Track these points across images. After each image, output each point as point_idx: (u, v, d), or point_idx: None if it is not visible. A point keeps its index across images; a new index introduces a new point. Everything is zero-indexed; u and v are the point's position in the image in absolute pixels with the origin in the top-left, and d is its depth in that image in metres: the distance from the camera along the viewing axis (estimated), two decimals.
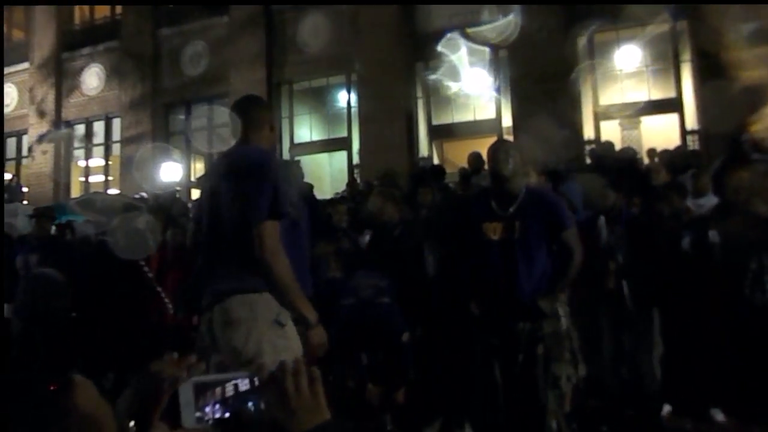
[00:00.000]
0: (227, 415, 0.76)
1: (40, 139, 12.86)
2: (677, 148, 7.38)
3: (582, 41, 9.23)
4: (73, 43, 13.16)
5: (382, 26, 9.91)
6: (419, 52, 9.95)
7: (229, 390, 0.77)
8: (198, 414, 0.76)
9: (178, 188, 11.14)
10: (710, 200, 4.39)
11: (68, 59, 13.15)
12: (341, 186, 8.78)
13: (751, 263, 3.15)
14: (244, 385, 0.78)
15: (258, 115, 2.31)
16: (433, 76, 9.60)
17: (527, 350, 2.92)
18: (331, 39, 10.59)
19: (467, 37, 9.05)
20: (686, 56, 8.72)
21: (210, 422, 0.76)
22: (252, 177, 2.03)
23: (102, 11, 13.33)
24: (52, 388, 0.72)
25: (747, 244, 3.25)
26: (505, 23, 8.66)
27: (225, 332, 1.98)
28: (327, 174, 11.62)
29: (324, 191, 8.94)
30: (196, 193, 11.13)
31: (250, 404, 0.78)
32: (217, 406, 0.76)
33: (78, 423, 0.68)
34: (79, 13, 13.70)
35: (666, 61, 8.93)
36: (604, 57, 9.25)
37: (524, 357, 2.89)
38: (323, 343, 2.07)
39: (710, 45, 7.93)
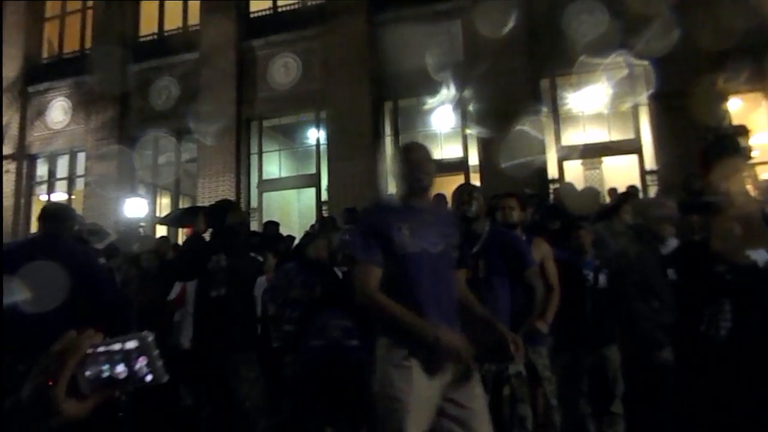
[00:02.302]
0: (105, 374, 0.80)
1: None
2: (629, 188, 7.60)
3: (545, 83, 9.58)
4: (39, 77, 12.99)
5: (351, 65, 10.11)
6: (387, 91, 10.15)
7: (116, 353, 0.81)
8: (89, 377, 0.78)
9: (142, 224, 10.91)
10: (673, 244, 4.51)
11: (34, 92, 12.96)
12: (309, 222, 8.74)
13: (707, 306, 3.25)
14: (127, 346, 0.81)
15: None
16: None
17: (493, 391, 2.91)
18: (301, 77, 10.74)
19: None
20: (643, 99, 9.10)
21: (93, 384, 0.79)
22: None
23: (71, 45, 13.25)
24: (50, 383, 0.75)
25: (705, 284, 3.35)
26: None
27: None
28: (295, 210, 11.58)
29: (292, 228, 8.89)
30: (161, 230, 10.92)
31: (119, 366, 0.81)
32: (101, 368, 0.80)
33: None
34: (48, 46, 13.59)
35: (624, 104, 9.30)
36: (566, 98, 9.59)
37: (490, 398, 2.87)
38: (457, 347, 2.06)
39: (666, 89, 8.31)
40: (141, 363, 0.80)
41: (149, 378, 0.80)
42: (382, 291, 2.16)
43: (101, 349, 0.79)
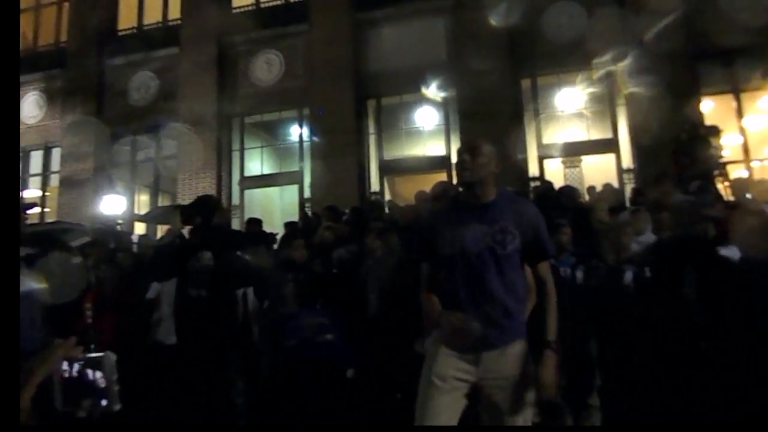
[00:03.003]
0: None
1: None
2: (605, 186, 7.76)
3: (526, 83, 9.71)
4: None
5: (334, 63, 10.10)
6: (371, 88, 10.17)
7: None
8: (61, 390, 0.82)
9: (120, 221, 10.76)
10: (649, 237, 4.63)
11: None
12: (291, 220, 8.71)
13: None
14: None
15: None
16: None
17: None
18: (284, 74, 10.70)
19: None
20: (621, 99, 9.27)
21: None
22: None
23: (46, 38, 12.96)
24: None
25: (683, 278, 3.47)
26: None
27: None
28: (278, 208, 11.53)
29: (275, 225, 8.84)
30: (140, 227, 10.78)
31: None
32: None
33: None
34: (22, 39, 13.25)
35: (603, 104, 9.47)
36: (546, 98, 9.73)
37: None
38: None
39: (642, 89, 8.49)
40: (100, 385, 0.82)
41: (104, 402, 0.82)
42: (435, 289, 2.34)
43: (72, 363, 0.82)
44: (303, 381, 3.73)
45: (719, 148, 7.72)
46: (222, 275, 3.45)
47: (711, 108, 8.99)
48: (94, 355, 0.84)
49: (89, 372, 0.81)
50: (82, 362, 0.82)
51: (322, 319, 3.96)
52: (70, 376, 0.81)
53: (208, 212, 3.59)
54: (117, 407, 0.82)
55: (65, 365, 0.81)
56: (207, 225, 3.56)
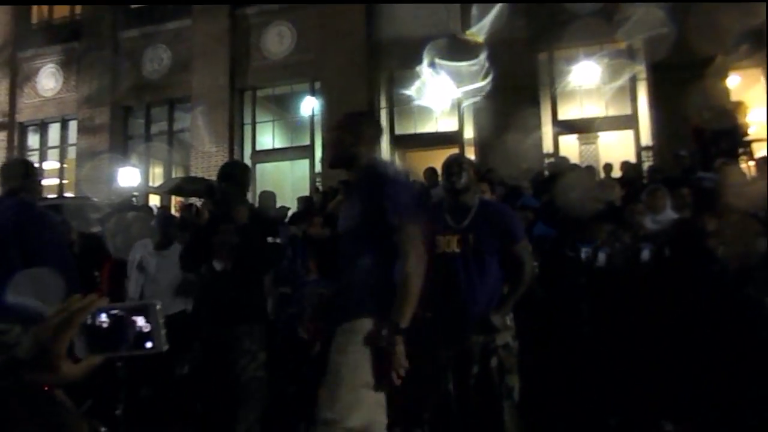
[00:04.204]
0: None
1: None
2: (623, 165, 7.58)
3: (543, 57, 9.45)
4: (29, 43, 12.71)
5: (347, 35, 9.94)
6: (383, 61, 9.99)
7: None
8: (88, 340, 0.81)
9: (135, 194, 10.85)
10: (667, 216, 4.51)
11: (24, 59, 12.69)
12: (302, 194, 8.69)
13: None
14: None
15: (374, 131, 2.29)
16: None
17: (481, 363, 2.92)
18: (296, 46, 10.57)
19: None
20: (642, 74, 8.99)
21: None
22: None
23: (61, 11, 12.94)
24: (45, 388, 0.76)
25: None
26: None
27: None
28: (289, 182, 11.51)
29: (286, 199, 8.84)
30: (154, 199, 10.86)
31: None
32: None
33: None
34: (37, 11, 13.25)
35: (622, 79, 9.20)
36: (563, 73, 9.48)
37: (478, 369, 2.89)
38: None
39: (664, 63, 8.21)
40: (144, 330, 0.82)
41: (149, 345, 0.82)
42: None
43: (104, 312, 0.81)
44: (300, 352, 3.74)
45: (745, 125, 7.47)
46: (245, 252, 3.33)
47: (737, 83, 8.68)
48: (137, 303, 0.87)
49: (132, 318, 0.83)
50: (117, 311, 0.83)
51: (326, 290, 3.94)
52: (93, 325, 0.82)
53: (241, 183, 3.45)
54: (165, 348, 0.83)
55: (90, 331, 0.82)
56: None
